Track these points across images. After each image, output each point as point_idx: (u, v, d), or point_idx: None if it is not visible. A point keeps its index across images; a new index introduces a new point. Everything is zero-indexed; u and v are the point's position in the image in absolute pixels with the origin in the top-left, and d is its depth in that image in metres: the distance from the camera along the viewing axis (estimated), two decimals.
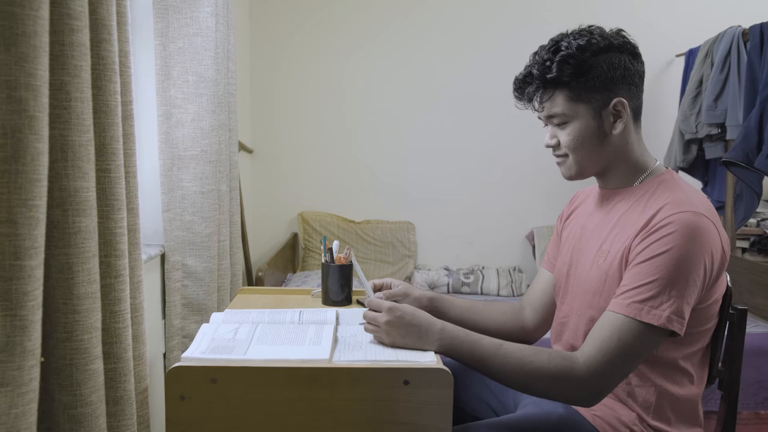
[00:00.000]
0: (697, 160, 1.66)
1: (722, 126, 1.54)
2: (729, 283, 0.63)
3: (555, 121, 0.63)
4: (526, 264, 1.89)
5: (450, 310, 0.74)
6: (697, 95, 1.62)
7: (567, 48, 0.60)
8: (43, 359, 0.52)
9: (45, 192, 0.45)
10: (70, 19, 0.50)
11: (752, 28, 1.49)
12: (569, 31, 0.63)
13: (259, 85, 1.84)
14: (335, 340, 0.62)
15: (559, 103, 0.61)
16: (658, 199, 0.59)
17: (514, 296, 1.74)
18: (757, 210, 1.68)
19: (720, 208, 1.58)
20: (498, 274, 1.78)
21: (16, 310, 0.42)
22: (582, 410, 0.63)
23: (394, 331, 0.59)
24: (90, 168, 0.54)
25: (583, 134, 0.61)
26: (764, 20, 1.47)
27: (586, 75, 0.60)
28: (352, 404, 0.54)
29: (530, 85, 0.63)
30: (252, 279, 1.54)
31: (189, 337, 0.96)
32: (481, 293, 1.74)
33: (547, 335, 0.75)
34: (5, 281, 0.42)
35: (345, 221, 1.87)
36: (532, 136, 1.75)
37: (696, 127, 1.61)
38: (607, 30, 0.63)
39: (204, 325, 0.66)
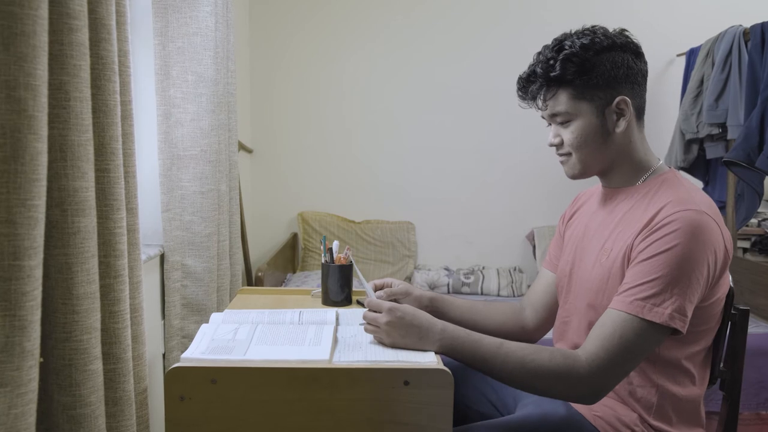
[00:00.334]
0: (698, 160, 1.66)
1: (723, 126, 1.54)
2: (731, 283, 0.63)
3: (558, 119, 0.63)
4: (526, 264, 1.89)
5: (450, 310, 0.74)
6: (698, 95, 1.62)
7: (570, 47, 0.60)
8: (42, 360, 0.52)
9: (44, 192, 0.45)
10: (69, 18, 0.50)
11: (753, 27, 1.48)
12: (573, 31, 0.63)
13: (258, 84, 1.84)
14: (335, 340, 0.62)
15: (562, 101, 0.62)
16: (661, 198, 0.59)
17: (514, 296, 1.74)
18: (759, 210, 1.67)
19: (721, 208, 1.58)
20: (498, 274, 1.78)
21: (15, 311, 0.42)
22: (583, 410, 0.63)
23: (394, 332, 0.59)
24: (89, 168, 0.54)
25: (587, 132, 0.62)
26: (765, 20, 1.47)
27: (589, 73, 0.60)
28: (352, 405, 0.54)
29: (534, 83, 0.63)
30: (252, 279, 1.54)
31: (188, 338, 0.96)
32: (482, 293, 1.73)
33: (550, 335, 0.75)
34: (4, 281, 0.42)
35: (345, 221, 1.87)
36: (532, 136, 1.75)
37: (697, 126, 1.61)
38: (611, 30, 0.63)
39: (203, 326, 0.66)
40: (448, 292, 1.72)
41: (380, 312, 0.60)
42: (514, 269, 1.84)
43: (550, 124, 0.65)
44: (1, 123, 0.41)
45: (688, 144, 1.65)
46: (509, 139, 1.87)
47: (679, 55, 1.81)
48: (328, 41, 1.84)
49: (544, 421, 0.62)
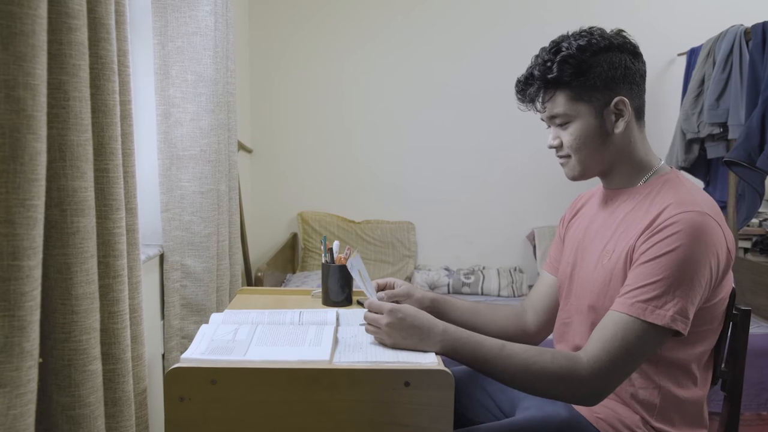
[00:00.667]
0: (698, 160, 1.66)
1: (724, 125, 1.54)
2: (733, 283, 0.63)
3: (557, 121, 0.63)
4: (526, 264, 1.89)
5: (452, 311, 0.74)
6: (699, 94, 1.61)
7: (567, 48, 0.61)
8: (41, 360, 0.52)
9: (43, 192, 0.44)
10: (68, 17, 0.50)
11: (754, 27, 1.48)
12: (570, 33, 0.63)
13: (258, 84, 1.84)
14: (335, 341, 0.62)
15: (560, 103, 0.62)
16: (663, 199, 0.59)
17: (515, 297, 1.73)
18: (760, 210, 1.67)
19: (722, 208, 1.57)
20: (499, 274, 1.78)
21: (14, 311, 0.42)
22: (585, 412, 0.63)
23: (395, 333, 0.59)
24: (88, 168, 0.54)
25: (585, 134, 0.62)
26: (766, 19, 1.47)
27: (586, 74, 0.60)
28: (353, 406, 0.54)
29: (531, 86, 0.64)
30: (251, 279, 1.53)
31: (188, 338, 0.96)
32: (482, 294, 1.73)
33: (550, 336, 0.75)
34: (3, 281, 0.41)
35: (345, 221, 1.87)
36: (532, 136, 1.75)
37: (698, 126, 1.61)
38: (608, 30, 0.63)
39: (203, 326, 0.66)
40: (449, 293, 1.72)
41: (381, 313, 0.60)
42: (515, 269, 1.83)
43: (549, 126, 0.65)
44: (0, 123, 0.41)
45: (689, 144, 1.65)
46: (509, 138, 1.86)
47: (679, 55, 1.81)
48: (327, 41, 1.83)
49: (546, 423, 0.62)
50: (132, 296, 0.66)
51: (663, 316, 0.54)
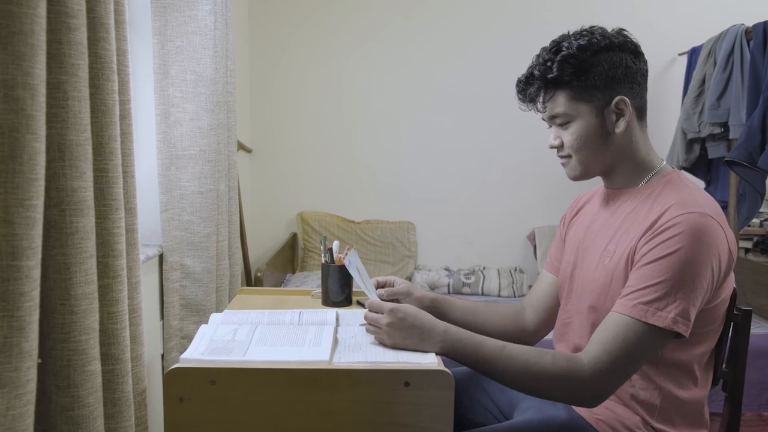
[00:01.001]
0: (699, 160, 1.65)
1: (725, 125, 1.53)
2: (734, 284, 0.62)
3: (558, 121, 0.63)
4: (527, 264, 1.89)
5: (452, 311, 0.74)
6: (700, 94, 1.61)
7: (568, 48, 0.60)
8: (40, 360, 0.52)
9: (42, 192, 0.44)
10: (67, 17, 0.50)
11: (755, 26, 1.48)
12: (570, 32, 0.63)
13: (258, 84, 1.84)
14: (335, 341, 0.62)
15: (560, 103, 0.62)
16: (665, 200, 0.59)
17: (515, 297, 1.73)
18: (761, 210, 1.67)
19: (723, 208, 1.57)
20: (499, 274, 1.78)
21: (13, 311, 0.42)
22: (585, 414, 0.63)
23: (395, 333, 0.59)
24: (87, 167, 0.54)
25: (586, 134, 0.61)
26: (767, 19, 1.46)
27: (586, 74, 0.60)
28: (353, 406, 0.54)
29: (532, 85, 0.63)
30: (251, 279, 1.53)
31: (187, 338, 0.96)
32: (482, 294, 1.73)
33: (550, 336, 0.75)
34: (2, 282, 0.41)
35: (345, 221, 1.87)
36: (532, 136, 1.75)
37: (699, 126, 1.60)
38: (609, 30, 0.63)
39: (203, 326, 0.66)
40: (449, 293, 1.71)
41: (381, 313, 0.60)
42: (515, 269, 1.83)
43: (550, 126, 0.65)
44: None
45: (689, 143, 1.65)
46: (509, 138, 1.86)
47: (680, 54, 1.80)
48: (327, 40, 1.83)
49: (546, 425, 0.62)
50: (131, 296, 0.66)
51: (664, 318, 0.54)
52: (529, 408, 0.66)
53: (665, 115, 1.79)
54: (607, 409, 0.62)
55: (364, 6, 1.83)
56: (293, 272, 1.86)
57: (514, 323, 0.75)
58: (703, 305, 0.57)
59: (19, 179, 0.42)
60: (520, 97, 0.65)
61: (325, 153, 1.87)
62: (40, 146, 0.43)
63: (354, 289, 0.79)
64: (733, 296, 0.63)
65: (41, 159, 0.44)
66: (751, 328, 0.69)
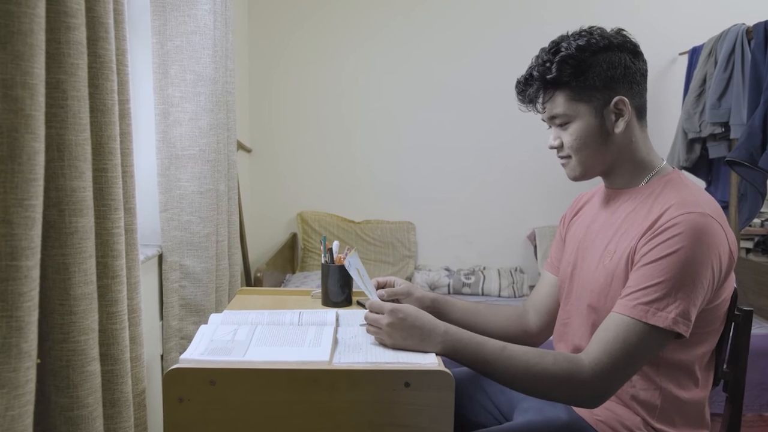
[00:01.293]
0: (700, 160, 1.65)
1: (726, 125, 1.53)
2: (735, 284, 0.62)
3: (557, 121, 0.63)
4: (527, 264, 1.88)
5: (452, 312, 0.73)
6: (701, 94, 1.61)
7: (567, 48, 0.60)
8: (39, 361, 0.52)
9: (41, 192, 0.44)
10: (66, 16, 0.50)
11: (756, 26, 1.48)
12: (570, 33, 0.63)
13: (257, 83, 1.84)
14: (335, 341, 0.62)
15: (559, 103, 0.62)
16: (665, 200, 0.59)
17: (515, 297, 1.73)
18: (762, 210, 1.66)
19: (724, 208, 1.57)
20: (499, 274, 1.77)
21: (12, 311, 0.42)
22: (585, 415, 0.63)
23: (396, 333, 0.59)
24: (87, 167, 0.54)
25: (586, 134, 0.61)
26: None
27: (585, 74, 0.60)
28: (353, 407, 0.54)
29: (531, 86, 0.64)
30: (251, 280, 1.53)
31: (187, 339, 0.96)
32: (482, 294, 1.73)
33: (551, 337, 0.75)
34: (1, 282, 0.41)
35: (345, 221, 1.87)
36: (532, 135, 1.75)
37: (699, 126, 1.60)
38: (608, 30, 0.63)
39: (202, 327, 0.66)
40: (449, 293, 1.71)
41: (382, 313, 0.60)
42: (515, 270, 1.83)
43: (550, 127, 0.65)
44: None
45: (690, 143, 1.65)
46: (509, 137, 1.86)
47: (681, 54, 1.80)
48: (327, 40, 1.83)
49: (547, 426, 0.61)
50: (130, 297, 0.66)
51: (665, 318, 0.54)
52: (529, 409, 0.65)
53: (666, 114, 1.79)
54: (608, 410, 0.62)
55: (364, 6, 1.83)
56: (293, 272, 1.85)
57: (516, 325, 0.74)
58: (704, 305, 0.57)
59: (18, 179, 0.42)
60: (520, 97, 0.65)
61: (325, 153, 1.87)
62: (39, 146, 0.43)
63: (354, 290, 0.78)
64: (734, 296, 0.63)
65: (40, 159, 0.44)
66: (753, 328, 0.69)
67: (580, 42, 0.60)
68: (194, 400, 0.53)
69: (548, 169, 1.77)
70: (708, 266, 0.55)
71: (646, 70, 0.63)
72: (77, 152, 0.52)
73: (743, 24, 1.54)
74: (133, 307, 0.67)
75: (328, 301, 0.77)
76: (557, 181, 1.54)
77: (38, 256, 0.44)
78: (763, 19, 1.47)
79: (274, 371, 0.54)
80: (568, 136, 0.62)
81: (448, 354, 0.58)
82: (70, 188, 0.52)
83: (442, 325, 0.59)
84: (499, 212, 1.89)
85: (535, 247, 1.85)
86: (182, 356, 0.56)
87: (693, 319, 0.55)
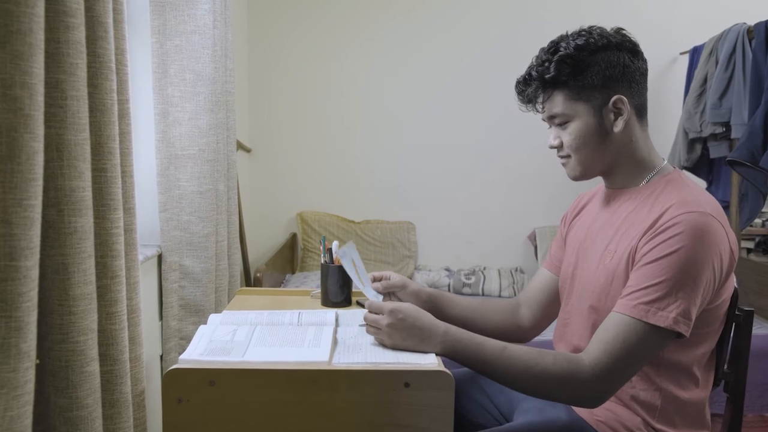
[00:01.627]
0: (701, 160, 1.65)
1: (727, 125, 1.53)
2: (735, 284, 0.62)
3: (556, 121, 0.63)
4: (528, 264, 1.88)
5: (449, 307, 0.73)
6: (702, 93, 1.61)
7: (565, 48, 0.61)
8: (38, 361, 0.52)
9: (40, 192, 0.44)
10: (65, 16, 0.50)
11: (757, 25, 1.47)
12: (569, 32, 0.63)
13: (257, 83, 1.83)
14: (335, 341, 0.61)
15: (558, 103, 0.62)
16: (666, 199, 0.59)
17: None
18: (763, 210, 1.66)
19: (725, 208, 1.57)
20: (500, 274, 1.77)
21: (11, 312, 0.42)
22: (585, 415, 0.63)
23: (396, 334, 0.58)
24: (86, 167, 0.53)
25: (584, 133, 0.61)
26: None
27: (584, 74, 0.60)
28: (352, 407, 0.54)
29: (530, 86, 0.64)
30: (250, 280, 1.53)
31: (186, 339, 0.95)
32: (483, 294, 1.73)
33: (549, 336, 0.75)
34: (0, 282, 0.41)
35: (344, 221, 1.87)
36: (532, 135, 1.74)
37: (700, 125, 1.60)
38: (608, 29, 0.62)
39: (202, 327, 0.66)
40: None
41: (381, 313, 0.59)
42: (516, 270, 1.83)
43: (551, 126, 0.65)
44: None
45: (691, 143, 1.64)
46: (509, 137, 1.86)
47: (682, 54, 1.80)
48: (326, 39, 1.83)
49: (547, 427, 0.61)
50: (130, 297, 0.66)
51: (665, 317, 0.54)
52: (529, 409, 0.65)
53: (667, 114, 1.79)
54: (608, 411, 0.61)
55: (364, 5, 1.83)
56: (293, 272, 1.85)
57: (510, 320, 0.75)
58: (705, 305, 0.57)
59: (17, 179, 0.42)
60: (520, 97, 0.65)
61: (325, 152, 1.87)
62: (38, 146, 0.43)
63: (353, 290, 0.78)
64: (735, 297, 0.62)
65: (39, 159, 0.43)
66: (754, 328, 0.69)
67: (579, 41, 0.60)
68: (193, 401, 0.53)
69: (549, 169, 1.77)
70: (709, 266, 0.55)
71: (645, 69, 0.62)
72: (76, 152, 0.52)
73: (744, 23, 1.54)
74: (132, 308, 0.67)
75: (328, 302, 0.77)
76: (558, 181, 1.54)
77: (37, 256, 0.44)
78: (763, 19, 1.47)
79: (273, 372, 0.54)
80: (567, 136, 0.62)
81: (448, 354, 0.58)
82: (69, 188, 0.52)
83: (442, 325, 0.59)
84: (500, 212, 1.89)
85: (536, 247, 1.85)
86: (181, 356, 0.56)
87: (694, 318, 0.55)
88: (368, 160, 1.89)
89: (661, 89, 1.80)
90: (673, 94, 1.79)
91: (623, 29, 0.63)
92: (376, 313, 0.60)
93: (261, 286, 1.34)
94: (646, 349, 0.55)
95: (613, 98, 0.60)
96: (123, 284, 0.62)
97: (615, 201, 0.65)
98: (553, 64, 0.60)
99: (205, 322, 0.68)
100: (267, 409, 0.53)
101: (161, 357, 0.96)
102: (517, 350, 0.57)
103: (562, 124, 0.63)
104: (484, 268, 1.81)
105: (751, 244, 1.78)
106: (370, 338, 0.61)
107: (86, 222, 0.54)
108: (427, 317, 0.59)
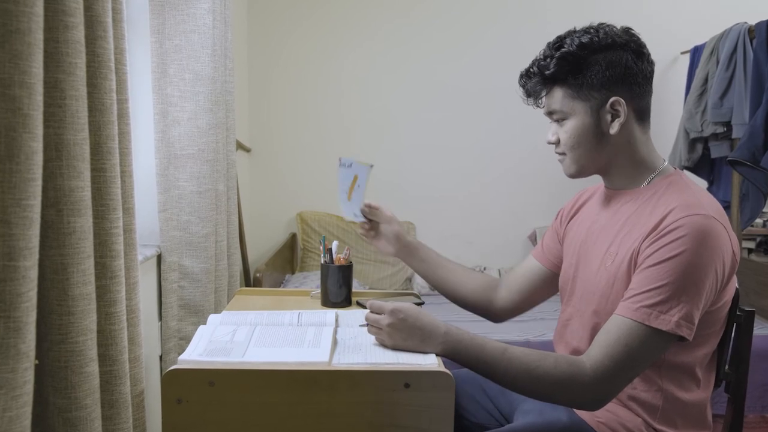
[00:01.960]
0: (702, 159, 1.65)
1: (728, 124, 1.53)
2: (737, 285, 0.62)
3: (555, 117, 0.63)
4: None
5: (425, 259, 0.76)
6: (703, 93, 1.60)
7: (569, 45, 0.60)
8: (37, 362, 0.52)
9: (39, 192, 0.44)
10: (65, 15, 0.49)
11: (758, 25, 1.47)
12: (577, 28, 0.62)
13: (257, 82, 1.83)
14: (335, 342, 0.61)
15: (557, 99, 0.62)
16: (667, 201, 0.58)
17: None
18: (764, 210, 1.65)
19: (726, 207, 1.56)
20: (500, 274, 1.78)
21: (9, 312, 0.41)
22: (586, 417, 0.63)
23: (396, 334, 0.58)
24: (85, 167, 0.53)
25: (580, 132, 0.61)
26: None
27: (583, 72, 0.59)
28: (352, 408, 0.53)
29: (531, 80, 0.63)
30: (250, 280, 1.52)
31: (186, 340, 0.95)
32: None
33: (550, 336, 0.75)
34: None
35: (344, 221, 1.86)
36: (532, 134, 1.74)
37: (701, 125, 1.60)
38: (617, 28, 0.62)
39: (201, 327, 0.65)
40: None
41: (382, 314, 0.59)
42: None
43: (552, 122, 0.65)
44: None
45: (692, 143, 1.64)
46: (509, 137, 1.86)
47: (683, 53, 1.80)
48: (326, 39, 1.83)
49: (548, 428, 0.61)
50: (129, 297, 0.66)
51: (668, 321, 0.54)
52: (529, 410, 0.65)
53: (667, 114, 1.78)
54: (609, 412, 0.61)
55: (364, 5, 1.83)
56: (292, 273, 1.85)
57: (484, 293, 0.75)
58: (707, 308, 0.57)
59: (16, 179, 0.41)
60: (522, 90, 0.65)
61: (325, 152, 1.87)
62: (37, 146, 0.43)
63: (354, 290, 0.78)
64: (736, 297, 0.62)
65: (38, 158, 0.43)
66: (755, 329, 0.69)
67: (584, 39, 0.60)
68: (193, 401, 0.53)
69: (549, 169, 1.76)
70: (712, 269, 0.55)
71: (650, 72, 0.61)
72: (75, 152, 0.52)
73: (745, 23, 1.53)
74: (131, 308, 0.66)
75: (328, 302, 0.77)
76: (558, 181, 1.54)
77: (36, 256, 0.44)
78: (765, 18, 1.47)
79: (273, 372, 0.54)
80: (563, 134, 0.62)
81: (448, 355, 0.58)
82: (69, 188, 0.51)
83: (443, 326, 0.59)
84: (500, 212, 1.89)
85: None
86: (181, 357, 0.56)
87: (696, 322, 0.55)
88: (368, 160, 1.88)
89: (662, 89, 1.80)
90: (674, 94, 1.78)
91: (631, 29, 0.62)
92: (377, 313, 0.60)
93: (261, 286, 1.34)
94: (647, 353, 0.55)
95: (611, 100, 0.59)
96: (122, 284, 0.61)
97: (616, 202, 0.65)
98: (554, 60, 0.60)
99: (204, 323, 0.68)
100: (267, 409, 0.53)
101: (161, 357, 0.96)
102: (518, 352, 0.57)
103: (560, 121, 0.63)
104: (485, 268, 1.82)
105: (752, 244, 1.78)
106: (371, 338, 0.61)
107: (85, 222, 0.53)
108: (428, 318, 0.59)
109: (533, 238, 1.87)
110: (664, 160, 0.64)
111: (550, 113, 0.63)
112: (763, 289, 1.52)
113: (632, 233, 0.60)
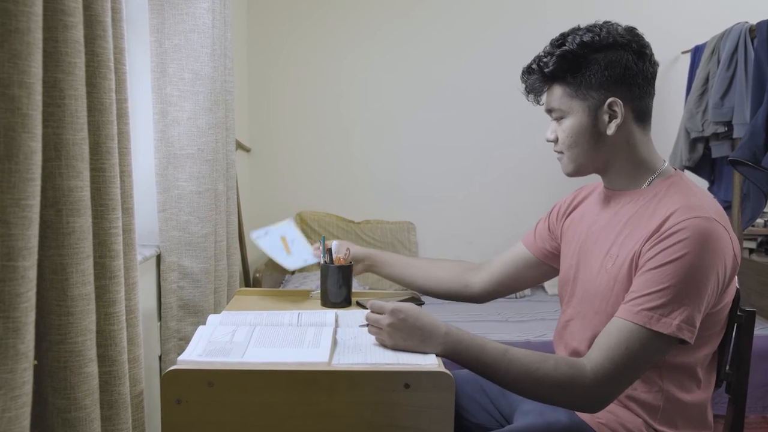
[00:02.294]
0: (703, 159, 1.64)
1: (729, 124, 1.52)
2: (737, 286, 0.62)
3: (554, 115, 0.63)
4: None
5: (385, 268, 0.76)
6: (704, 93, 1.60)
7: (570, 43, 0.60)
8: (36, 362, 0.52)
9: (38, 191, 0.44)
10: (64, 15, 0.49)
11: (759, 24, 1.47)
12: (581, 26, 0.62)
13: (256, 82, 1.83)
14: (334, 342, 0.61)
15: (556, 97, 0.62)
16: (669, 203, 0.58)
17: (516, 298, 1.72)
18: (765, 210, 1.65)
19: (727, 207, 1.56)
20: None
21: (8, 312, 0.41)
22: (586, 418, 0.62)
23: (396, 334, 0.58)
24: (84, 167, 0.53)
25: (577, 132, 0.61)
26: None
27: (581, 71, 0.59)
28: (352, 408, 0.53)
29: (531, 76, 0.63)
30: (249, 280, 1.52)
31: (185, 340, 0.95)
32: None
33: (550, 337, 0.75)
34: None
35: (344, 221, 1.86)
36: (532, 134, 1.74)
37: (702, 125, 1.59)
38: (621, 27, 0.61)
39: (201, 328, 0.66)
40: None
41: (383, 314, 0.59)
42: None
43: (552, 119, 0.65)
44: None
45: (693, 143, 1.64)
46: (509, 136, 1.86)
47: (684, 53, 1.79)
48: (326, 39, 1.83)
49: (548, 429, 0.61)
50: (128, 297, 0.66)
51: (669, 324, 0.54)
52: (530, 411, 0.65)
53: (668, 114, 1.78)
54: (609, 413, 0.61)
55: (363, 5, 1.83)
56: (292, 273, 1.85)
57: (456, 278, 0.76)
58: (708, 310, 0.57)
59: (15, 179, 0.41)
60: (524, 86, 0.65)
61: (325, 152, 1.86)
62: (36, 145, 0.43)
63: (353, 290, 0.78)
64: (736, 298, 0.62)
65: (37, 158, 0.43)
66: (755, 329, 0.69)
67: (585, 38, 0.59)
68: (192, 402, 0.53)
69: (549, 169, 1.75)
70: (713, 272, 0.54)
71: (652, 73, 0.60)
72: (74, 152, 0.52)
73: (746, 22, 1.53)
74: (131, 308, 0.66)
75: (328, 302, 0.76)
76: (558, 181, 1.54)
77: (35, 256, 0.44)
78: (765, 18, 1.47)
79: (272, 372, 0.54)
80: (561, 132, 0.62)
81: (449, 355, 0.58)
82: (68, 188, 0.51)
83: (443, 326, 0.59)
84: (500, 212, 1.89)
85: None
86: (180, 357, 0.56)
87: (697, 325, 0.55)
88: (368, 160, 1.89)
89: (663, 88, 1.78)
90: (675, 94, 1.78)
91: (635, 29, 0.61)
92: (378, 313, 0.60)
93: (260, 286, 1.35)
94: (648, 356, 0.55)
95: (609, 100, 0.59)
96: (122, 285, 0.61)
97: (616, 203, 0.64)
98: (554, 57, 0.60)
99: (204, 323, 0.68)
100: (266, 410, 0.53)
101: (160, 358, 0.96)
102: (518, 354, 0.57)
103: (559, 119, 0.62)
104: None
105: (752, 245, 1.78)
106: (370, 339, 0.61)
107: (84, 222, 0.53)
108: (429, 318, 0.59)
109: None
110: (664, 161, 0.64)
111: (549, 111, 0.63)
112: (764, 289, 1.52)
113: (633, 235, 0.59)
